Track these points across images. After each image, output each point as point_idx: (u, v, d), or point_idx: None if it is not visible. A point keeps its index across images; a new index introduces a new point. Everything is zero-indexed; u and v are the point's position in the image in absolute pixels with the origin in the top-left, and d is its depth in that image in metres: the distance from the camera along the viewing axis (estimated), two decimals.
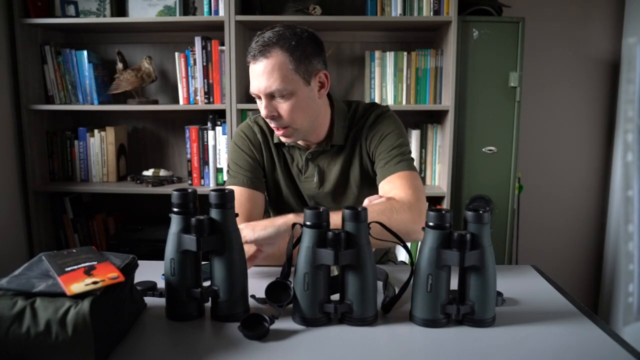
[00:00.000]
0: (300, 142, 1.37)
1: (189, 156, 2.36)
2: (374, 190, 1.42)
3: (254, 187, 1.35)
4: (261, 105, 1.24)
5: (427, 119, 2.46)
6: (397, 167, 1.29)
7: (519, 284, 1.15)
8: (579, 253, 2.74)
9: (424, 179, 2.39)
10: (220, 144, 2.34)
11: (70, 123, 2.55)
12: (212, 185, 2.36)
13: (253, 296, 1.02)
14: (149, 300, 1.02)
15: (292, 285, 0.97)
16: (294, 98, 1.23)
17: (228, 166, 1.41)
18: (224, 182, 2.33)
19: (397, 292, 1.01)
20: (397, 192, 1.24)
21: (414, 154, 2.35)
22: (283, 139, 1.32)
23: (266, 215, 1.51)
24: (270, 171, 1.41)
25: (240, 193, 1.33)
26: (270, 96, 1.22)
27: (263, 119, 1.41)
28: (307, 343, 0.88)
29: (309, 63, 1.23)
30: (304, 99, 1.24)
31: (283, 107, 1.23)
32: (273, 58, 1.19)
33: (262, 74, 1.20)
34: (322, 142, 1.36)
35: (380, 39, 2.47)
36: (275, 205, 1.46)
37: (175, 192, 0.95)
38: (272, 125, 1.28)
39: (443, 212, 0.92)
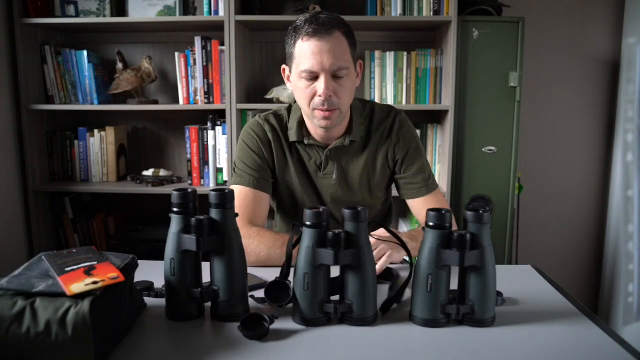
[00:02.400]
0: (318, 139, 1.36)
1: (189, 156, 2.36)
2: (388, 192, 1.48)
3: (260, 188, 1.34)
4: (317, 84, 1.22)
5: (427, 119, 2.46)
6: (424, 190, 1.39)
7: (519, 284, 1.14)
8: (579, 253, 2.74)
9: None
10: (220, 144, 2.34)
11: (70, 123, 2.55)
12: (212, 185, 2.36)
13: (252, 296, 1.02)
14: (149, 300, 1.02)
15: (291, 285, 0.97)
16: (350, 79, 1.26)
17: (234, 164, 1.39)
18: (225, 181, 2.34)
19: (395, 290, 1.00)
20: None
21: None
22: (325, 123, 1.27)
23: (270, 216, 1.50)
24: (281, 171, 1.39)
25: (246, 194, 1.32)
26: (332, 74, 1.22)
27: (274, 117, 1.40)
28: (307, 343, 0.88)
29: (355, 50, 1.28)
30: (353, 82, 1.28)
31: (341, 87, 1.23)
32: (337, 38, 1.21)
33: (327, 51, 1.19)
34: (341, 138, 1.36)
35: (380, 39, 2.47)
36: (287, 207, 1.44)
37: (175, 192, 0.94)
38: (322, 107, 1.24)
39: (443, 212, 0.92)
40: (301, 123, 1.36)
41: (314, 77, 1.22)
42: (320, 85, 1.21)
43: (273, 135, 1.38)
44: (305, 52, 1.21)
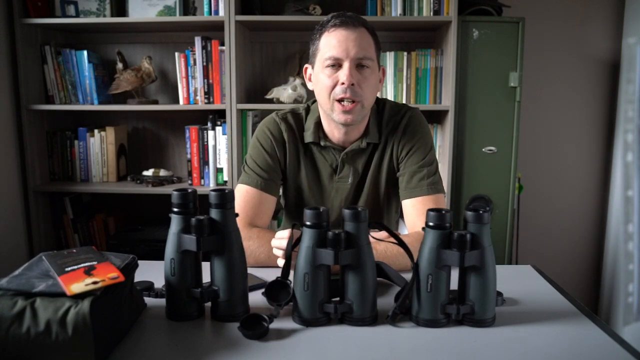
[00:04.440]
0: (335, 141, 1.33)
1: (189, 156, 2.36)
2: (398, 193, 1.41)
3: (266, 190, 1.31)
4: (340, 72, 1.21)
5: (427, 119, 2.43)
6: (424, 190, 1.29)
7: (519, 284, 1.14)
8: (579, 253, 2.74)
9: None
10: (220, 144, 2.34)
11: (70, 123, 2.55)
12: (212, 185, 2.36)
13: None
14: (149, 300, 1.02)
15: (291, 284, 0.97)
16: (373, 74, 1.25)
17: (245, 161, 1.36)
18: (225, 181, 2.34)
19: (402, 296, 0.99)
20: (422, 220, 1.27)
21: None
22: (346, 117, 1.24)
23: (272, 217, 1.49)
24: (293, 172, 1.37)
25: (252, 195, 1.30)
26: (357, 64, 1.21)
27: (292, 116, 1.37)
28: (307, 343, 0.88)
29: (379, 53, 1.29)
30: (375, 80, 1.27)
31: (364, 79, 1.22)
32: (363, 31, 1.23)
33: (353, 40, 1.20)
34: (358, 140, 1.33)
35: (380, 39, 2.45)
36: (294, 208, 1.42)
37: (175, 192, 0.94)
38: (345, 95, 1.21)
39: (443, 212, 0.92)
40: (318, 124, 1.33)
41: (337, 65, 1.21)
42: (344, 72, 1.20)
43: (289, 135, 1.34)
44: (331, 41, 1.22)
